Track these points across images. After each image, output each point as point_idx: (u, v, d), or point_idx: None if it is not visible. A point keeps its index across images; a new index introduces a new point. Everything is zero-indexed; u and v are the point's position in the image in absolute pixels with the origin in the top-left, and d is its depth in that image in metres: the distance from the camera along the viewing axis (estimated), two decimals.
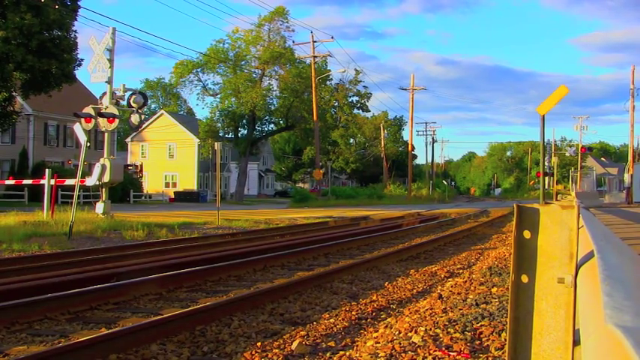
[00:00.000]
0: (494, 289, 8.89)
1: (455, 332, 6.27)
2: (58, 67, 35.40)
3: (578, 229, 2.69)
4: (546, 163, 58.92)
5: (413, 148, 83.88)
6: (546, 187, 50.86)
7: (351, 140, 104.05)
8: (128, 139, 76.75)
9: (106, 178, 21.92)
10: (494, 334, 6.12)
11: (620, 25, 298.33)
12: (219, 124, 63.60)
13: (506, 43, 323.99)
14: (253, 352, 5.69)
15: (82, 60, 37.93)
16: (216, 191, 26.50)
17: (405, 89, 76.96)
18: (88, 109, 21.39)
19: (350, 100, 69.83)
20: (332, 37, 63.03)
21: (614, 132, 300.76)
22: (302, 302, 8.13)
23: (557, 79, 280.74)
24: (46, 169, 24.17)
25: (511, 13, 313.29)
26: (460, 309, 7.58)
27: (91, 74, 22.87)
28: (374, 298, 8.67)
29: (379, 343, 5.92)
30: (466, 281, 10.05)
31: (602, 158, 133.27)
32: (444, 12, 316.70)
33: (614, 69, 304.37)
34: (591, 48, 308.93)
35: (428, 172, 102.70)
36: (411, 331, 6.31)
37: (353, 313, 7.59)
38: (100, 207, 22.37)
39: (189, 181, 73.71)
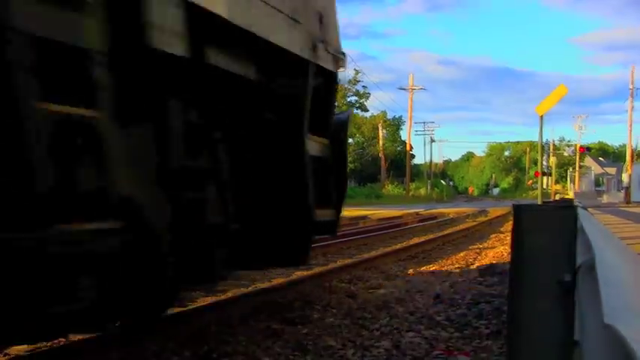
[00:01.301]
0: (493, 289, 8.91)
1: (454, 332, 6.29)
2: None
3: (577, 229, 2.70)
4: (544, 163, 58.95)
5: (411, 147, 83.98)
6: (544, 187, 51.00)
7: (350, 140, 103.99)
8: None
9: None
10: (493, 333, 6.15)
11: (622, 23, 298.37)
12: None
13: (507, 42, 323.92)
14: (253, 352, 5.70)
15: None
16: None
17: (404, 89, 77.07)
18: None
19: (348, 100, 69.82)
20: None
21: (613, 132, 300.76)
22: (301, 302, 8.14)
23: (557, 79, 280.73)
24: None
25: (511, 12, 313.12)
26: (459, 308, 7.61)
27: None
28: (373, 297, 8.68)
29: (379, 342, 5.94)
30: (465, 281, 10.07)
31: (601, 158, 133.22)
32: (445, 12, 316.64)
33: (615, 68, 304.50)
34: (592, 47, 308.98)
35: (426, 171, 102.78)
36: (410, 331, 6.33)
37: (353, 312, 7.60)
38: None
39: None
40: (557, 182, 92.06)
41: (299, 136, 6.32)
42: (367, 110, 76.91)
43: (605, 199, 69.75)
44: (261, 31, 5.51)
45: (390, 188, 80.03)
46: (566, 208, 2.81)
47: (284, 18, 6.03)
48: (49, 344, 5.84)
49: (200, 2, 4.51)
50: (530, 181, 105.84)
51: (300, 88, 6.44)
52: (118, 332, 5.63)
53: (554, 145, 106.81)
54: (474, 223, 26.39)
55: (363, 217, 30.26)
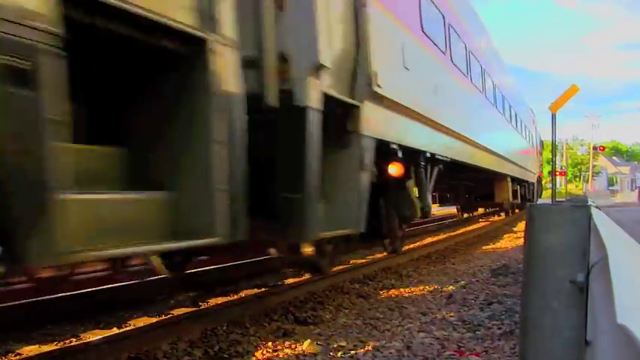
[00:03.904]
0: (506, 289, 8.88)
1: (466, 332, 6.26)
2: None
3: (590, 228, 2.68)
4: (557, 163, 58.70)
5: None
6: (557, 186, 50.84)
7: None
8: None
9: None
10: (505, 333, 6.11)
11: (636, 22, 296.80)
12: None
13: (520, 43, 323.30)
14: (265, 352, 5.69)
15: None
16: None
17: None
18: None
19: None
20: None
21: (626, 130, 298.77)
22: (313, 302, 8.13)
23: (570, 78, 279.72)
24: None
25: (522, 11, 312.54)
26: (472, 308, 7.58)
27: None
28: (385, 297, 8.66)
29: (391, 342, 5.92)
30: (478, 280, 10.03)
31: (614, 157, 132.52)
32: None
33: (629, 66, 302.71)
34: (605, 46, 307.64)
35: None
36: (422, 331, 6.30)
37: (364, 312, 7.58)
38: None
39: None
40: (570, 181, 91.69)
41: None
42: None
43: (618, 198, 69.30)
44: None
45: None
46: (580, 207, 2.78)
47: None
48: (60, 343, 5.86)
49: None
50: (544, 181, 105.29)
51: None
52: None
53: (567, 144, 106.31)
54: (487, 223, 26.29)
55: None
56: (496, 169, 18.92)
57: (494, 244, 17.67)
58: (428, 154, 10.61)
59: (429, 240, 17.53)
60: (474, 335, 6.11)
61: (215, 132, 4.44)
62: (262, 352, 5.69)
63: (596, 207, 3.96)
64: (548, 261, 2.70)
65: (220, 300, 8.05)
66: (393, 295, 8.81)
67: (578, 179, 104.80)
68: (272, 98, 5.63)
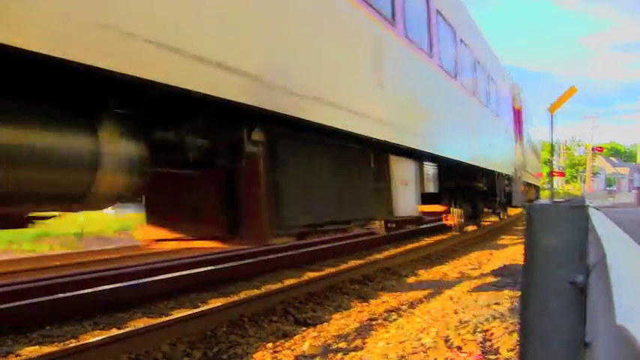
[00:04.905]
0: (505, 290, 8.88)
1: (466, 333, 6.26)
2: None
3: (589, 229, 2.69)
4: (555, 163, 58.67)
5: None
6: (555, 187, 51.50)
7: None
8: None
9: None
10: (505, 334, 6.12)
11: (635, 23, 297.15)
12: None
13: (519, 43, 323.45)
14: (264, 353, 5.70)
15: None
16: None
17: None
18: None
19: None
20: None
21: (624, 131, 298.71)
22: (313, 303, 8.14)
23: (570, 79, 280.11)
24: None
25: (522, 11, 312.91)
26: (471, 310, 7.58)
27: None
28: (385, 299, 8.66)
29: (390, 344, 5.92)
30: (477, 282, 10.04)
31: (613, 158, 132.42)
32: None
33: (628, 67, 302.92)
34: (605, 47, 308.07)
35: None
36: (422, 332, 6.31)
37: (364, 314, 7.59)
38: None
39: None
40: (568, 182, 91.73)
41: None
42: None
43: (616, 199, 69.17)
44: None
45: None
46: (578, 207, 2.79)
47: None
48: (60, 344, 5.86)
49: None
50: (542, 182, 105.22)
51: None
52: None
53: (566, 146, 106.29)
54: (486, 224, 26.27)
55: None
56: (532, 182, 34.98)
57: (493, 245, 17.67)
58: (527, 181, 29.15)
59: (428, 241, 17.54)
60: (473, 337, 6.12)
61: (519, 185, 24.41)
62: (262, 354, 5.70)
63: (595, 207, 3.97)
64: (548, 262, 2.70)
65: (220, 301, 8.06)
66: (392, 296, 8.81)
67: (576, 180, 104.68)
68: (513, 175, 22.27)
